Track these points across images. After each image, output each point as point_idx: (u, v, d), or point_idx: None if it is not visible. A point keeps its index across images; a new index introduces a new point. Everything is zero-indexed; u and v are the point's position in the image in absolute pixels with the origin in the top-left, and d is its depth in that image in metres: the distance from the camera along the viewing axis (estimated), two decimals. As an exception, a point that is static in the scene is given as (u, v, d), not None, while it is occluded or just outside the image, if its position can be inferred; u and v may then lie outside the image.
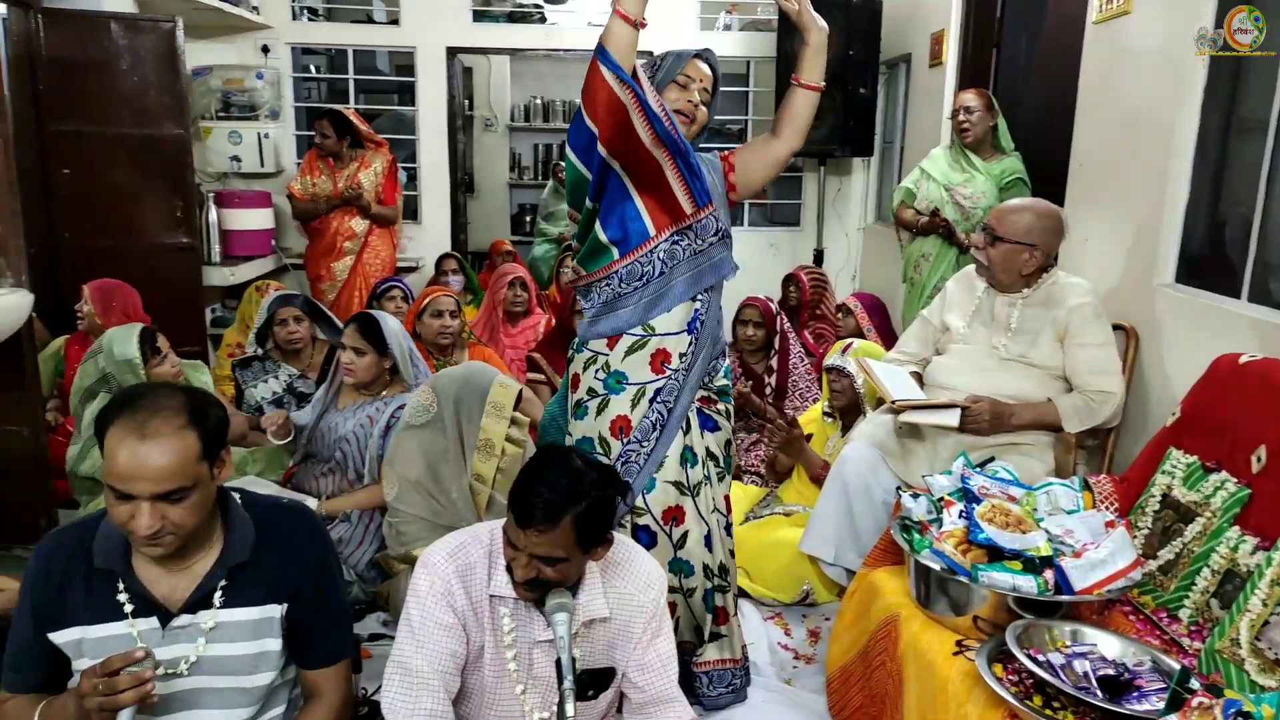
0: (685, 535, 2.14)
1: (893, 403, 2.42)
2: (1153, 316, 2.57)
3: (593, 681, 1.67)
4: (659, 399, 2.10)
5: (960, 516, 1.84)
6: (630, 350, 2.10)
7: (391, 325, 2.83)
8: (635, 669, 1.69)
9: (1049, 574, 1.69)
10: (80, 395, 2.79)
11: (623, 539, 1.76)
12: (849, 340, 3.15)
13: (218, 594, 1.49)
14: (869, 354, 2.90)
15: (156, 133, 4.12)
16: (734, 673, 2.27)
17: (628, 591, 1.67)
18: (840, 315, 4.17)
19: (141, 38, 4.03)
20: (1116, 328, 2.58)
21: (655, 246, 2.07)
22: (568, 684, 1.41)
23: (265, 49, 5.30)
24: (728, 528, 2.28)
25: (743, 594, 2.78)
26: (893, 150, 5.34)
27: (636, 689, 1.70)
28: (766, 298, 3.73)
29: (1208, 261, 2.57)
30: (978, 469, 2.00)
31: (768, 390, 3.63)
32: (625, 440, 2.10)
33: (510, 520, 1.50)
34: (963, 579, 1.74)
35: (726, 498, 2.28)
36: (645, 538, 2.11)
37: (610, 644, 1.67)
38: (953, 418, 2.35)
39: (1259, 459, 1.85)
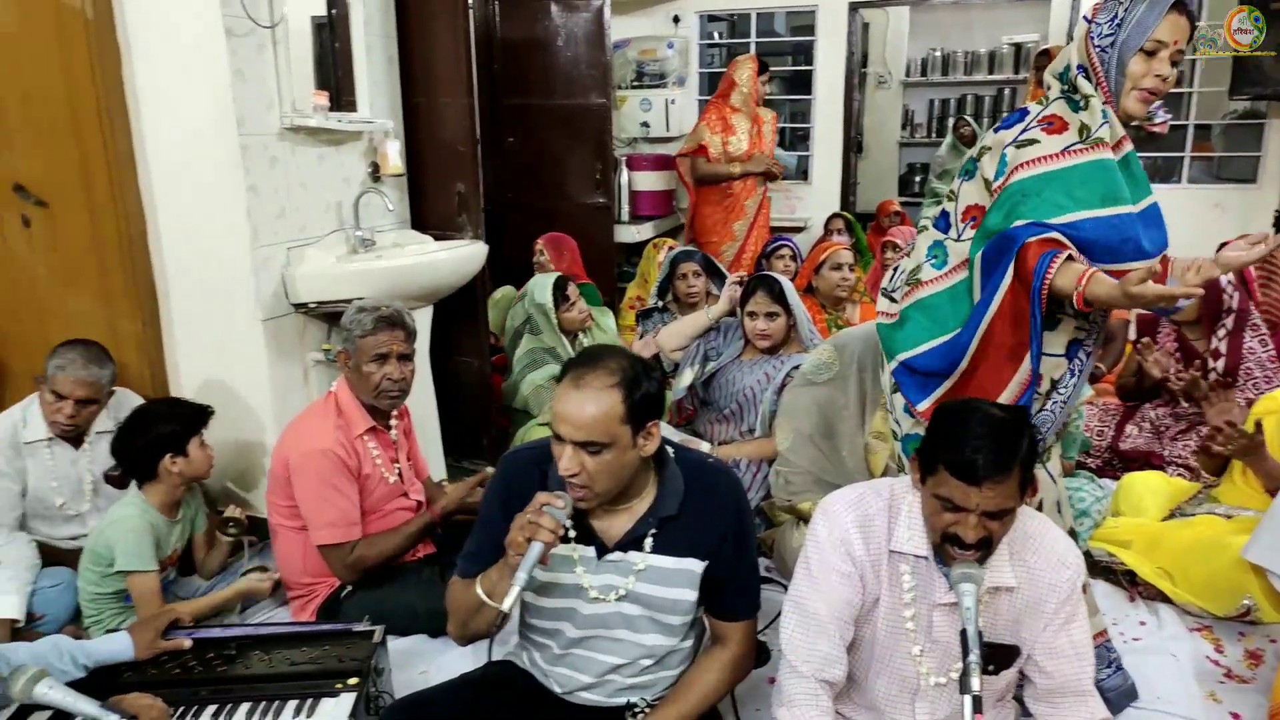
0: (1040, 504, 1.95)
1: None
2: None
3: (993, 656, 1.59)
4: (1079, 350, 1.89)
5: None
6: None
7: (791, 287, 2.90)
8: (1043, 653, 1.58)
9: None
10: (510, 335, 3.24)
11: (1038, 515, 1.65)
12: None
13: (648, 540, 1.62)
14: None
15: (584, 103, 4.56)
16: (1107, 648, 2.06)
17: (1038, 567, 1.57)
18: (1307, 290, 3.49)
19: (575, 17, 4.48)
20: None
21: None
22: (973, 657, 1.36)
23: (676, 19, 5.62)
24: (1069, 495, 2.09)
25: (1163, 598, 2.48)
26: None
27: (1044, 674, 1.59)
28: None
29: None
30: None
31: (1211, 374, 3.15)
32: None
33: (947, 481, 1.43)
34: None
35: (1067, 465, 2.15)
36: None
37: (1016, 620, 1.58)
38: None
39: None
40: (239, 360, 2.70)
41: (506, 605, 1.45)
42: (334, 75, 3.03)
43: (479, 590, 1.58)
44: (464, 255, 3.06)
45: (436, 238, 3.22)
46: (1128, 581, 2.54)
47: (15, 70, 2.56)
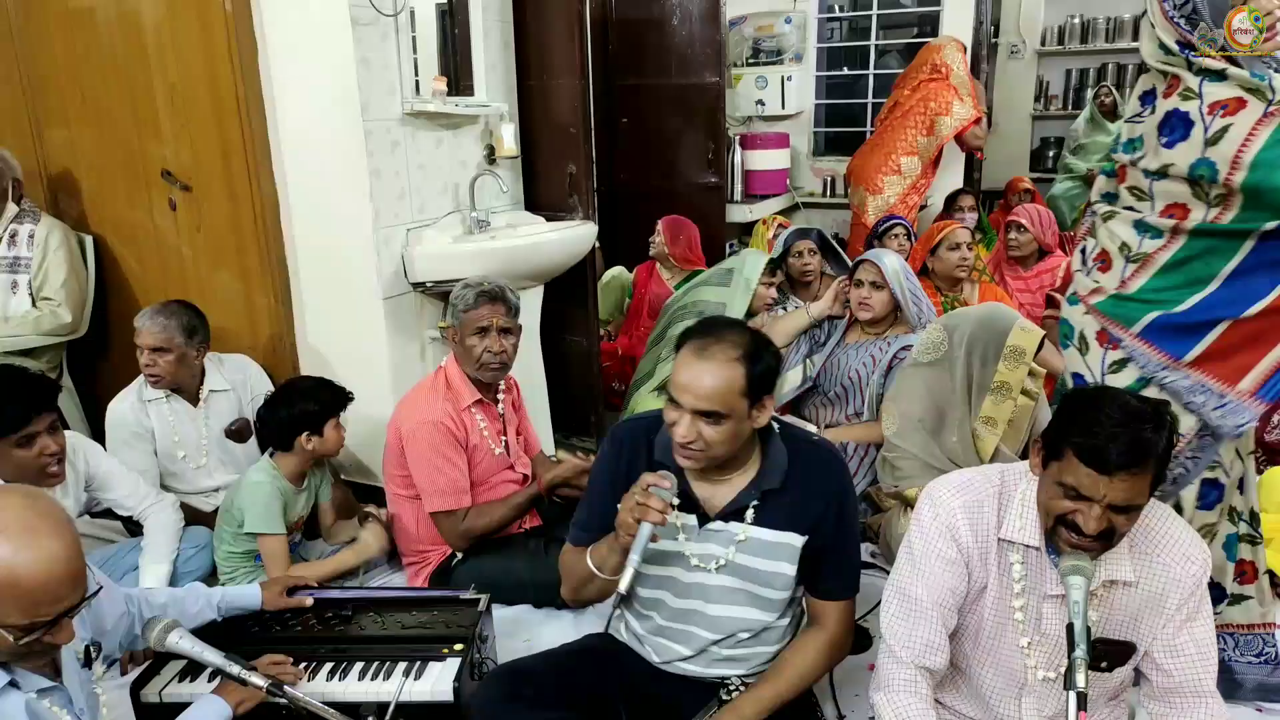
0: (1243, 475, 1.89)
1: None
2: None
3: (1107, 653, 1.52)
4: None
5: None
6: None
7: (891, 263, 2.82)
8: (1163, 650, 1.50)
9: None
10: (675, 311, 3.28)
11: (1161, 506, 1.57)
12: None
13: (749, 511, 1.64)
14: None
15: (698, 81, 4.53)
16: (1265, 639, 1.97)
17: (1162, 561, 1.49)
18: None
19: (692, -6, 4.45)
20: None
21: None
22: (1079, 653, 1.30)
23: (795, -7, 5.52)
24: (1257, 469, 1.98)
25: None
26: None
27: (1162, 673, 1.51)
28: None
29: None
30: None
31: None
32: None
33: (1074, 468, 1.37)
34: None
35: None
36: (1215, 492, 1.89)
37: (1135, 615, 1.51)
38: None
39: None
40: (361, 336, 2.83)
41: (623, 586, 1.51)
42: (453, 60, 3.12)
43: (590, 563, 1.64)
44: (574, 236, 3.11)
45: (548, 218, 3.28)
46: (1269, 582, 2.38)
47: (162, 63, 2.75)
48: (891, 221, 4.19)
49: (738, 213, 5.00)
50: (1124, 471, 1.33)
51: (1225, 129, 1.64)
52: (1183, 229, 1.74)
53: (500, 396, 2.46)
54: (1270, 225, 1.66)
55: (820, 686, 1.98)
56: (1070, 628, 1.34)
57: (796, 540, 1.63)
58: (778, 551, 1.64)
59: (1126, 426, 1.34)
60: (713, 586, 1.67)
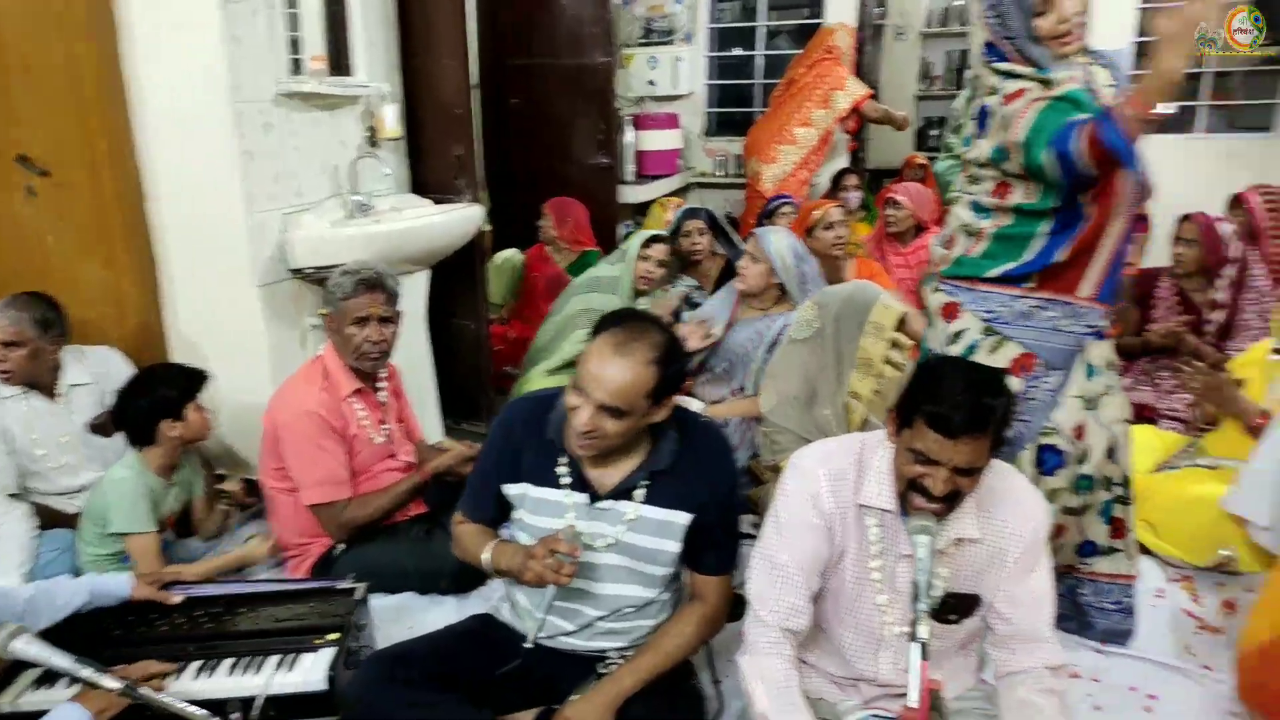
0: (1087, 451, 2.04)
1: None
2: None
3: (956, 605, 1.62)
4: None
5: None
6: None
7: (776, 240, 2.89)
8: (1004, 601, 1.61)
9: None
10: (581, 286, 3.29)
11: (1007, 468, 1.67)
12: (1313, 267, 2.59)
13: (639, 490, 1.68)
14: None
15: (588, 61, 4.51)
16: (1125, 590, 2.15)
17: (1004, 518, 1.59)
18: (1315, 242, 3.42)
19: (581, -28, 4.42)
20: None
21: None
22: (922, 606, 1.39)
23: (685, -27, 5.55)
24: (1128, 436, 2.13)
25: (1145, 551, 2.49)
26: None
27: (1003, 621, 1.62)
28: (1218, 218, 3.19)
29: None
30: None
31: (1208, 325, 3.13)
32: (1028, 376, 2.01)
33: (923, 434, 1.46)
34: None
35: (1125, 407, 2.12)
36: (1053, 459, 2.04)
37: (980, 570, 1.61)
38: None
39: None
40: (237, 324, 2.75)
41: (530, 641, 1.71)
42: (331, 39, 3.05)
43: (484, 560, 1.70)
44: (460, 218, 3.09)
45: (435, 201, 3.25)
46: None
47: (17, 43, 2.61)
48: (780, 201, 4.29)
49: (630, 193, 5.02)
50: (967, 435, 1.42)
51: (1008, 117, 1.82)
52: (1005, 207, 1.92)
53: (381, 384, 2.44)
54: (1054, 204, 1.86)
55: (699, 654, 2.05)
56: (915, 584, 1.42)
57: (684, 519, 1.68)
58: (665, 530, 1.69)
59: (969, 394, 1.43)
60: (601, 566, 1.70)
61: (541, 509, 1.69)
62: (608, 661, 1.75)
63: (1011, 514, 1.59)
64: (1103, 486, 2.07)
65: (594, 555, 1.69)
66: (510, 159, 4.74)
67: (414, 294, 3.04)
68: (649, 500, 1.68)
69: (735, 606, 2.14)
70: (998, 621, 1.63)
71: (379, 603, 2.20)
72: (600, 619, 1.74)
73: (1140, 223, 4.50)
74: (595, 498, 1.68)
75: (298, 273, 2.82)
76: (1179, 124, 5.01)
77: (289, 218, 2.80)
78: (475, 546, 1.73)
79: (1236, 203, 3.65)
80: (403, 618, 2.26)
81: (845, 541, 1.63)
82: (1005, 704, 1.59)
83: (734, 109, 5.94)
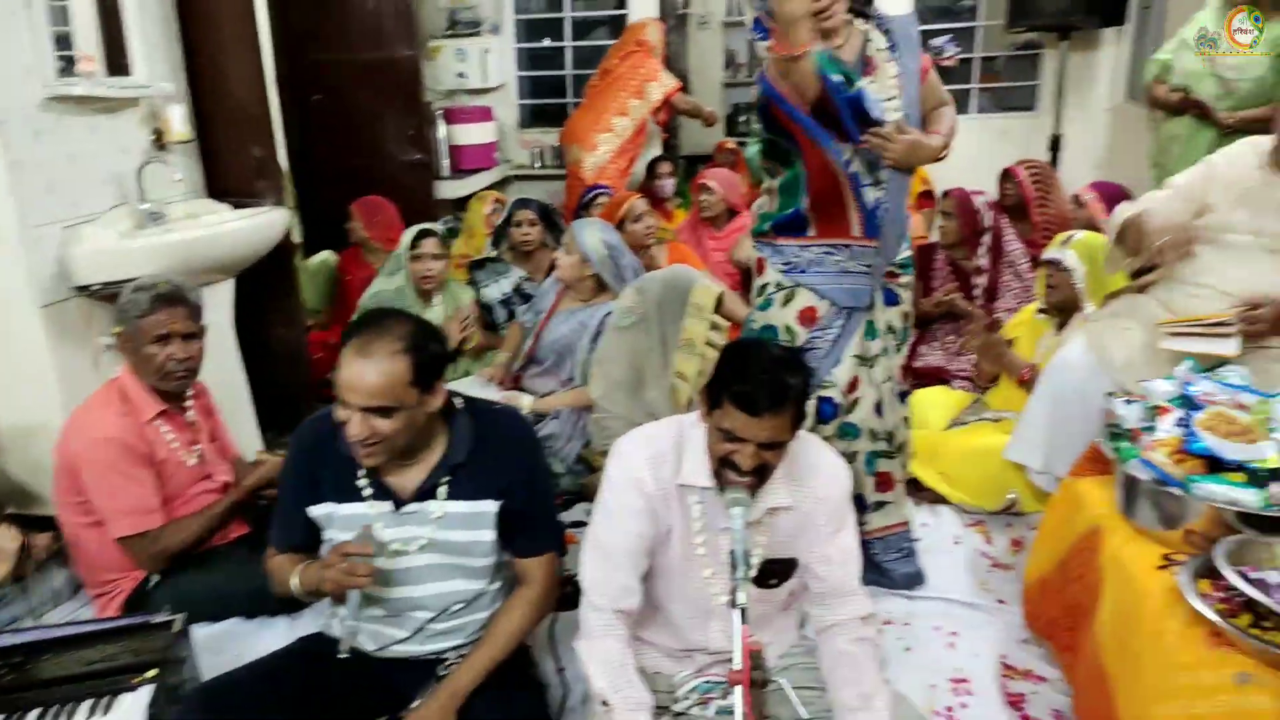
0: (856, 401, 2.24)
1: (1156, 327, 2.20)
2: None
3: (775, 570, 1.73)
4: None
5: (1177, 424, 1.70)
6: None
7: (589, 234, 2.94)
8: (818, 561, 1.72)
9: (1276, 488, 1.54)
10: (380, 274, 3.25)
11: (810, 437, 1.79)
12: (1071, 232, 2.89)
13: (442, 488, 1.68)
14: (1091, 246, 2.67)
15: (391, 55, 4.42)
16: (902, 536, 2.38)
17: (811, 484, 1.70)
18: (1074, 208, 3.82)
19: (373, -37, 4.31)
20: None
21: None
22: (739, 574, 1.47)
23: (487, -36, 5.50)
24: (901, 394, 2.35)
25: (943, 500, 2.74)
26: (1151, 16, 4.72)
27: (818, 579, 1.74)
28: (974, 190, 3.51)
29: None
30: (1205, 373, 1.83)
31: (976, 290, 3.45)
32: (812, 329, 2.20)
33: (730, 413, 1.53)
34: (1174, 491, 1.62)
35: (901, 367, 2.34)
36: (829, 410, 2.23)
37: (794, 535, 1.72)
38: (1230, 346, 2.01)
39: None
40: (19, 349, 2.51)
41: (344, 650, 1.65)
42: (105, 37, 2.82)
43: (295, 584, 1.67)
44: (263, 223, 2.95)
45: (235, 205, 3.08)
46: (913, 488, 2.79)
47: None
48: (595, 191, 4.35)
49: (448, 189, 4.95)
50: (769, 413, 1.51)
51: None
52: (779, 170, 2.18)
53: (188, 404, 2.31)
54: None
55: (541, 642, 2.09)
56: (732, 553, 1.51)
57: (492, 506, 1.70)
58: (476, 520, 1.70)
59: (770, 373, 1.53)
60: (419, 567, 1.70)
61: (349, 525, 1.66)
62: (447, 663, 1.75)
63: (818, 480, 1.71)
64: (868, 437, 2.27)
65: (410, 559, 1.69)
66: (317, 158, 4.58)
67: (218, 305, 2.88)
68: (453, 495, 1.68)
69: (574, 594, 2.20)
70: (813, 580, 1.75)
71: (203, 632, 2.10)
72: (431, 620, 1.74)
73: (927, 198, 4.89)
74: (400, 503, 1.68)
75: (84, 290, 2.61)
76: (956, 106, 5.44)
77: (69, 231, 2.59)
78: (286, 575, 1.69)
79: (1006, 176, 4.02)
80: (230, 646, 2.16)
81: (670, 520, 1.70)
82: (824, 655, 1.72)
83: (548, 100, 5.95)
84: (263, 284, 3.17)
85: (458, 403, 1.73)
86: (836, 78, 1.99)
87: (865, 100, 2.01)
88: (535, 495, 1.75)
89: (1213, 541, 1.57)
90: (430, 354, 1.58)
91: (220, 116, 3.11)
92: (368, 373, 1.51)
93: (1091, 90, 5.17)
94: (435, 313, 3.43)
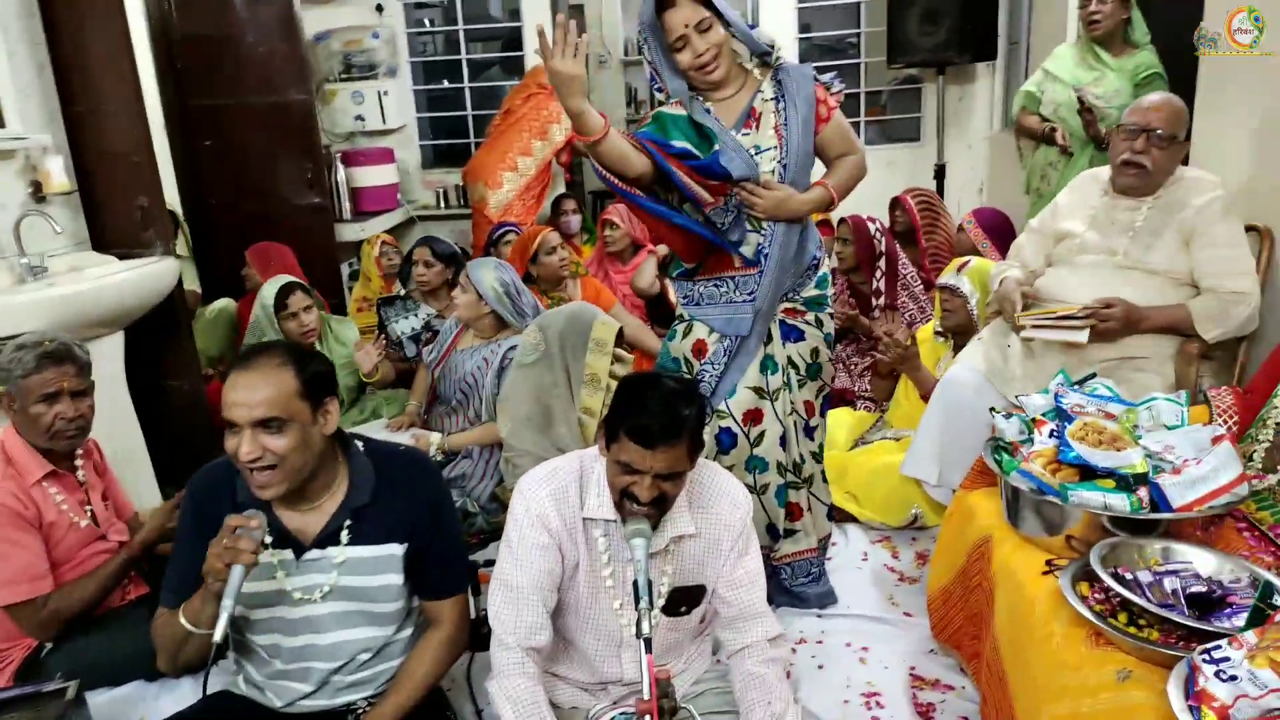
0: (762, 434, 2.28)
1: (1016, 318, 2.35)
2: (1289, 215, 2.38)
3: (684, 597, 1.76)
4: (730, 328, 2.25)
5: (1051, 436, 1.80)
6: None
7: (482, 272, 2.96)
8: (725, 585, 1.76)
9: (1143, 492, 1.64)
10: (248, 336, 3.12)
11: (712, 465, 1.83)
12: (965, 259, 3.05)
13: (344, 532, 1.64)
14: (983, 273, 2.81)
15: (283, 99, 4.36)
16: (812, 561, 2.43)
17: (715, 511, 1.74)
18: (958, 234, 4.02)
19: (261, 8, 4.25)
20: (1250, 229, 2.41)
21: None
22: (644, 604, 1.49)
23: (379, 8, 5.48)
24: (808, 429, 2.37)
25: (851, 519, 2.81)
26: (1019, 51, 5.02)
27: (726, 604, 1.77)
28: (868, 217, 3.66)
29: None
30: (1074, 386, 1.94)
31: (876, 312, 3.58)
32: (702, 361, 2.27)
33: (627, 446, 1.56)
34: (1052, 499, 1.72)
35: (808, 403, 2.35)
36: (727, 439, 2.27)
37: (701, 561, 1.75)
38: (1081, 335, 2.24)
39: (1389, 365, 1.72)
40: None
41: (217, 635, 1.46)
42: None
43: (183, 620, 1.56)
44: (151, 274, 2.87)
45: (121, 257, 2.99)
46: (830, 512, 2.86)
47: None
48: (504, 229, 4.37)
49: (350, 231, 4.89)
50: (663, 445, 1.55)
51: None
52: None
53: (78, 463, 2.22)
54: None
55: (458, 684, 2.06)
56: (635, 584, 1.53)
57: (397, 549, 1.67)
58: (381, 564, 1.67)
59: (663, 406, 1.56)
60: (322, 615, 1.66)
61: (250, 575, 1.57)
62: (358, 713, 1.72)
63: (722, 506, 1.75)
64: (775, 470, 2.31)
65: (313, 607, 1.65)
66: (212, 205, 4.48)
67: (108, 358, 2.78)
68: (356, 540, 1.65)
69: (490, 634, 2.18)
70: (722, 605, 1.78)
71: (101, 698, 2.02)
72: (335, 672, 1.70)
73: (826, 228, 5.06)
74: (301, 549, 1.64)
75: (-39, 349, 2.49)
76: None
77: (-57, 289, 2.48)
78: (173, 624, 1.59)
79: (896, 204, 4.20)
80: (132, 710, 2.07)
81: (577, 555, 1.71)
82: (735, 678, 1.75)
83: (450, 140, 5.95)
84: (155, 335, 3.08)
85: (358, 444, 1.70)
86: (680, 143, 2.05)
87: (718, 163, 2.03)
88: (442, 535, 1.73)
89: (1090, 545, 1.66)
90: (315, 369, 1.57)
91: (102, 167, 3.02)
92: (253, 383, 1.50)
93: (970, 121, 5.45)
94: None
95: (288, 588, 1.63)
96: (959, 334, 2.95)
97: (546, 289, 3.71)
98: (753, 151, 2.14)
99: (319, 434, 1.58)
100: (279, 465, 1.52)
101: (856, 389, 3.57)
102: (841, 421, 3.13)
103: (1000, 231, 3.87)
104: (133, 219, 3.03)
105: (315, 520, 1.65)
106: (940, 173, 5.28)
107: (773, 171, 2.14)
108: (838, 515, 2.83)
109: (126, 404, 2.90)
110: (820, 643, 2.29)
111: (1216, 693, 1.19)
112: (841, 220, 3.68)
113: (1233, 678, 1.19)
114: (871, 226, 3.58)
